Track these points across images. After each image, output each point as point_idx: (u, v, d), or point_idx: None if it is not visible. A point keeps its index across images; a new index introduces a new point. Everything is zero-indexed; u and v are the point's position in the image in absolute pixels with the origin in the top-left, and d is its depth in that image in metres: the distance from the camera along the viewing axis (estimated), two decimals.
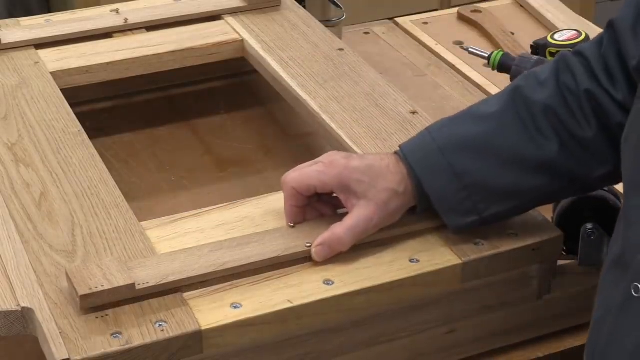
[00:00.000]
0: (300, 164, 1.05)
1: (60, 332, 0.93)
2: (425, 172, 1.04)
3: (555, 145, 1.03)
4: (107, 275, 0.97)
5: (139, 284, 0.97)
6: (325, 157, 1.06)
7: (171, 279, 0.98)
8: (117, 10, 1.49)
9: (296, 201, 1.05)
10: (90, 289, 0.95)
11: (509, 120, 1.04)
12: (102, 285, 0.96)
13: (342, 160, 1.05)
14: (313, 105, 1.29)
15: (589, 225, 1.09)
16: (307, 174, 1.04)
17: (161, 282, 0.98)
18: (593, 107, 1.02)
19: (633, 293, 0.86)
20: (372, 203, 1.02)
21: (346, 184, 1.03)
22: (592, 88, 1.02)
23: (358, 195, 1.03)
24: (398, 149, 1.07)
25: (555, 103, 1.03)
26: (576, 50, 1.05)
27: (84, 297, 0.95)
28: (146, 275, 0.98)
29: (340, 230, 1.02)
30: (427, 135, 1.06)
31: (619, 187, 1.17)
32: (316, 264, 1.02)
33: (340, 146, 1.23)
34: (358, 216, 1.02)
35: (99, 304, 0.95)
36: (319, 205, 1.08)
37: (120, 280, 0.96)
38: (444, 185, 1.04)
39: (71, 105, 1.29)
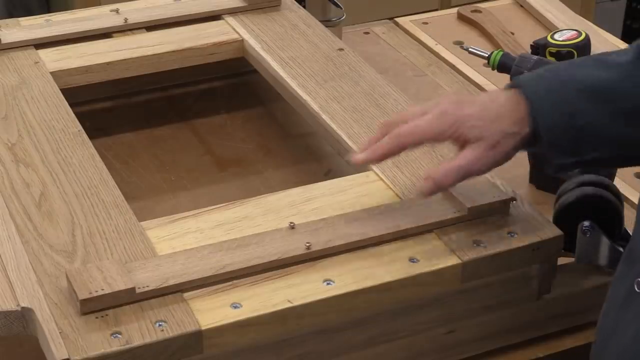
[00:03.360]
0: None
1: (60, 332, 0.93)
2: (542, 100, 1.02)
3: None
4: (107, 279, 0.97)
5: (139, 288, 0.97)
6: (435, 107, 1.04)
7: (171, 282, 0.98)
8: (117, 10, 1.49)
9: (400, 151, 1.05)
10: (91, 292, 0.95)
11: (637, 73, 1.02)
12: (102, 289, 0.96)
13: (453, 108, 1.03)
14: (313, 105, 1.29)
15: (586, 223, 1.09)
16: (422, 129, 1.03)
17: (161, 286, 0.98)
18: None
19: (635, 288, 0.87)
20: (484, 144, 1.02)
21: (460, 133, 1.02)
22: None
23: (471, 140, 1.02)
24: (511, 80, 1.06)
25: None
26: None
27: (84, 302, 0.95)
28: (146, 278, 0.98)
29: (449, 166, 1.02)
30: (548, 71, 1.05)
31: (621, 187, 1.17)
32: (316, 264, 1.02)
33: (341, 146, 1.23)
34: (468, 155, 1.02)
35: (99, 308, 0.96)
36: None
37: (120, 284, 0.96)
38: (558, 118, 1.02)
39: (71, 105, 1.29)
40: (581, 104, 1.02)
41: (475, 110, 1.03)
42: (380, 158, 1.05)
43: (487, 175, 1.10)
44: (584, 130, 1.02)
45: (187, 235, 1.06)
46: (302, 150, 1.40)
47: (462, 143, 1.03)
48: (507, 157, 1.04)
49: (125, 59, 1.40)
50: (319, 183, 1.16)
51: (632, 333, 0.87)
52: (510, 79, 1.30)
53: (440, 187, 1.03)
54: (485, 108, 1.03)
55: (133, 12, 1.49)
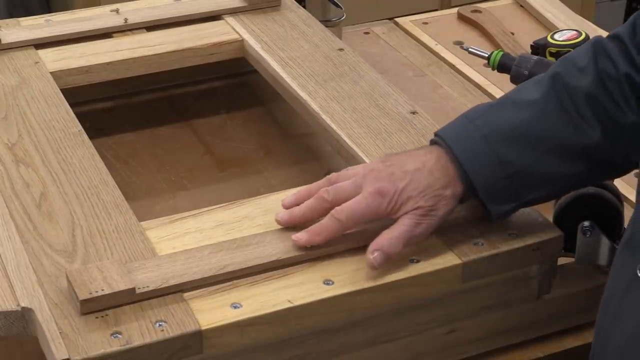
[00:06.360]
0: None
1: (60, 332, 0.93)
2: (472, 161, 1.04)
3: (597, 132, 1.03)
4: (107, 279, 0.97)
5: (139, 288, 0.97)
6: (369, 183, 1.03)
7: (171, 282, 0.98)
8: (117, 10, 1.49)
9: (341, 233, 1.04)
10: (91, 293, 0.95)
11: (552, 107, 1.04)
12: (102, 290, 0.96)
13: (387, 184, 1.03)
14: (313, 105, 1.29)
15: (586, 223, 1.09)
16: (360, 212, 1.03)
17: (161, 286, 0.98)
18: (634, 91, 1.02)
19: (638, 274, 0.87)
20: (420, 211, 1.02)
21: (397, 208, 1.03)
22: (632, 71, 1.02)
23: (407, 210, 1.03)
24: (435, 137, 1.07)
25: (597, 90, 1.03)
26: (612, 34, 1.05)
27: (84, 302, 0.95)
28: (146, 279, 0.98)
29: (393, 235, 1.02)
30: (468, 123, 1.06)
31: (620, 185, 1.17)
32: (316, 264, 1.02)
33: (341, 146, 1.23)
34: (407, 221, 1.02)
35: (99, 309, 0.96)
36: None
37: (120, 285, 0.96)
38: (490, 174, 1.04)
39: (71, 105, 1.29)
40: (507, 153, 1.03)
41: (407, 181, 1.03)
42: (323, 241, 1.03)
43: None
44: (516, 176, 1.04)
45: (187, 236, 1.06)
46: (302, 150, 1.40)
47: (399, 214, 1.03)
48: (444, 217, 1.05)
49: (125, 59, 1.40)
50: None
51: (636, 319, 0.88)
52: (511, 79, 1.30)
53: (390, 257, 1.02)
54: (416, 177, 1.03)
55: (133, 12, 1.49)
